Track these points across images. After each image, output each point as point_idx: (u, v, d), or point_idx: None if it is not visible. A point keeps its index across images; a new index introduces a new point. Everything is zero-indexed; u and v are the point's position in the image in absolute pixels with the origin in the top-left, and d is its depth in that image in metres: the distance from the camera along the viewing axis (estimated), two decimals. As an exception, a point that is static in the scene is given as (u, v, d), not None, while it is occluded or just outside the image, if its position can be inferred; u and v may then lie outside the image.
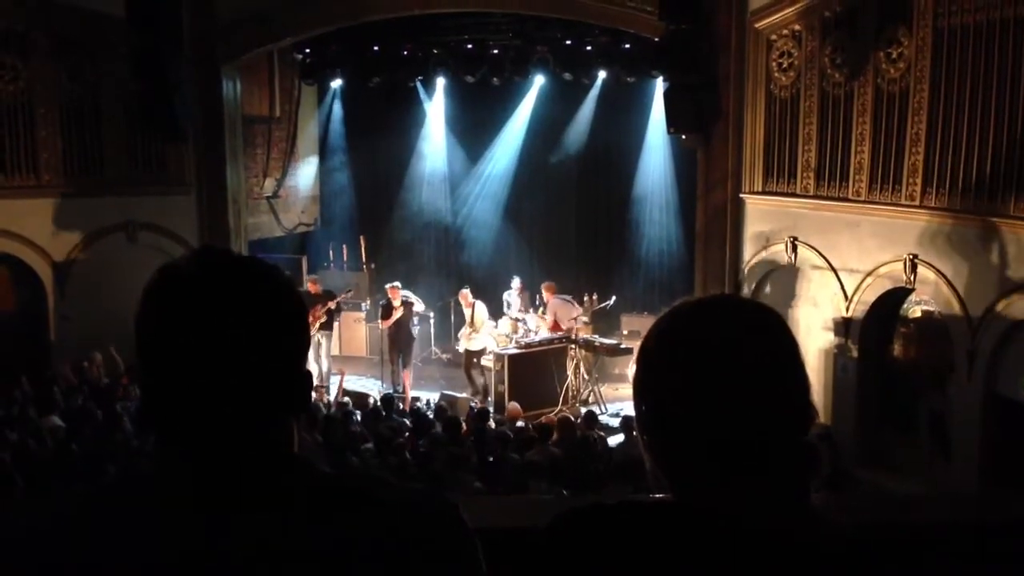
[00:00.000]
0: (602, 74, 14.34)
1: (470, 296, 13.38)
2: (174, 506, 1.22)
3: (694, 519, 1.25)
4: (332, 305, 12.95)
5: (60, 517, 1.26)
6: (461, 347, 13.43)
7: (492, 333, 13.81)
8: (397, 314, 12.94)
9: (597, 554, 1.27)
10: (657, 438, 1.31)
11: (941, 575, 1.66)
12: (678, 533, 1.25)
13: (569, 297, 13.57)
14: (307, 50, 14.97)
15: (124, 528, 1.21)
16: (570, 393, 12.59)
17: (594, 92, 14.97)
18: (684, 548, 1.24)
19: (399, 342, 13.04)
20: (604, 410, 12.37)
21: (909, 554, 1.30)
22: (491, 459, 8.29)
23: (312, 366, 10.80)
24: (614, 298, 13.86)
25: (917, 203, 9.57)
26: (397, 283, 13.35)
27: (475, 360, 13.11)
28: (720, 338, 1.27)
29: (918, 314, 10.25)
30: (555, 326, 13.21)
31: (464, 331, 13.33)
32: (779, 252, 11.01)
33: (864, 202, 10.13)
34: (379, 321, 13.48)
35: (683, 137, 12.15)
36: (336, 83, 16.14)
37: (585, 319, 13.62)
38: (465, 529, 1.29)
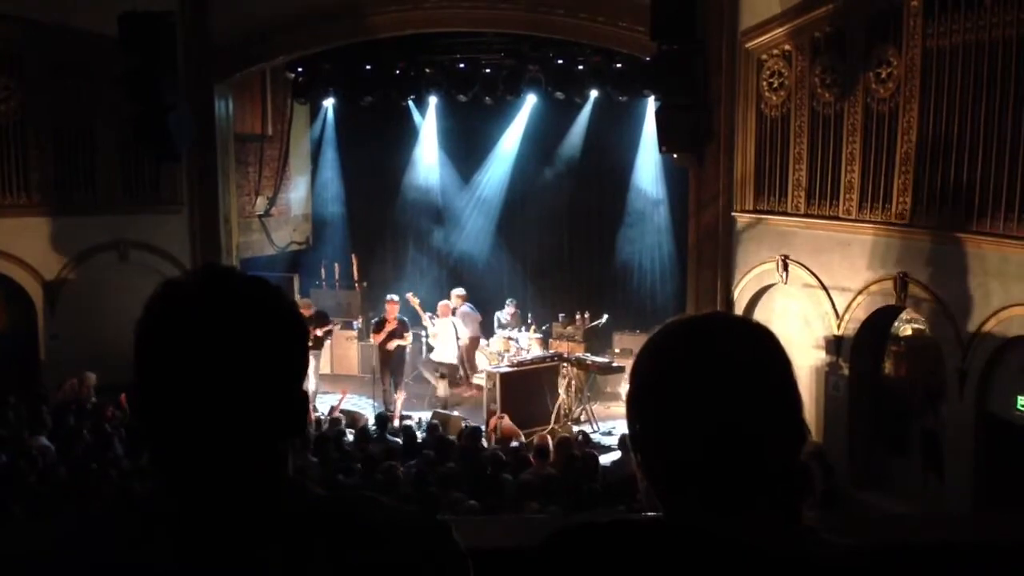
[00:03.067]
0: (594, 93, 14.40)
1: (451, 306, 13.49)
2: (166, 531, 1.21)
3: (687, 538, 1.25)
4: (321, 333, 12.71)
5: (53, 542, 1.25)
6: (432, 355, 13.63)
7: (484, 351, 13.80)
8: (390, 327, 12.83)
9: (590, 573, 1.26)
10: (650, 456, 1.30)
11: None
12: (671, 552, 1.25)
13: (475, 310, 13.89)
14: (300, 69, 14.99)
15: (116, 555, 1.20)
16: (562, 411, 12.57)
17: (586, 111, 15.05)
18: (676, 567, 1.23)
19: (391, 362, 12.96)
20: (596, 428, 12.37)
21: (903, 574, 1.30)
22: (484, 479, 8.24)
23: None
24: (606, 316, 13.87)
25: (907, 222, 9.61)
26: (395, 296, 13.24)
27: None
28: (713, 356, 1.27)
29: (909, 332, 10.27)
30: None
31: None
32: (770, 270, 11.03)
33: (854, 221, 10.17)
34: (371, 336, 13.33)
35: (675, 156, 12.20)
36: (328, 102, 16.17)
37: (578, 338, 13.64)
38: (458, 549, 1.29)
